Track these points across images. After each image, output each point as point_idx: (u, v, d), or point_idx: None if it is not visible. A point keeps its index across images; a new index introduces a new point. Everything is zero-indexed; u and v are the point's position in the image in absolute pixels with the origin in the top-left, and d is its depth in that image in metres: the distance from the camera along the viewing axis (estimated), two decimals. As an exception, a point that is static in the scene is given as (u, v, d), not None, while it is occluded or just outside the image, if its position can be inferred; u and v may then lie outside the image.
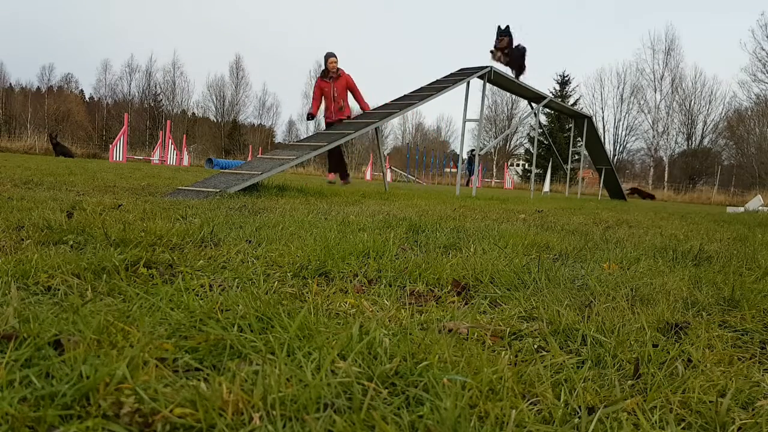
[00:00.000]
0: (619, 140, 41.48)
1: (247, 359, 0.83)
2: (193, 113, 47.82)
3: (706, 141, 39.42)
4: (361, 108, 8.26)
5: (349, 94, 8.30)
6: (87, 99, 49.43)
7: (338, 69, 8.21)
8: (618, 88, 41.12)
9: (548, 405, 0.77)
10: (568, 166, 12.90)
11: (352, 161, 39.31)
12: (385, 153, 35.33)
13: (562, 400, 0.78)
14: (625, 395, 0.82)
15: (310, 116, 8.56)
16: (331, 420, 0.67)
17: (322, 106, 8.43)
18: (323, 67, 8.36)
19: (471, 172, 21.31)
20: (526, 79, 9.03)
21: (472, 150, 20.76)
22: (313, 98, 8.43)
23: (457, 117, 59.22)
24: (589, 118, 12.11)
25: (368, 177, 23.50)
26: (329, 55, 8.26)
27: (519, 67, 8.98)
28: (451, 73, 7.92)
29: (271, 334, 0.91)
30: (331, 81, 8.18)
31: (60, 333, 0.84)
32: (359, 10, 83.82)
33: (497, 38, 8.53)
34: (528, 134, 41.08)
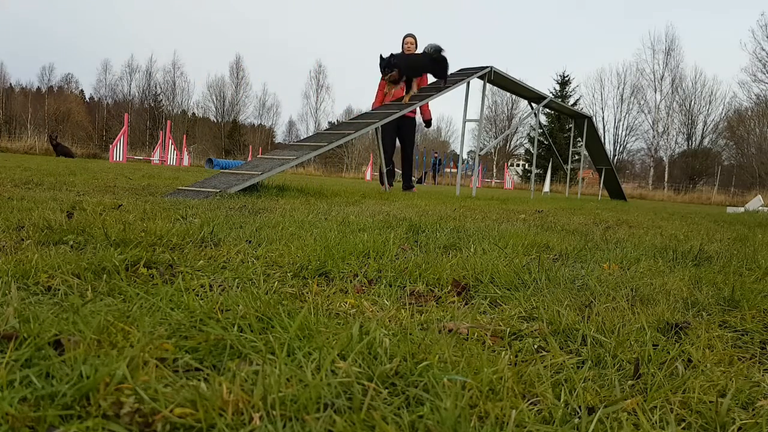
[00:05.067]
0: (619, 140, 41.56)
1: (247, 359, 0.83)
2: (193, 113, 47.91)
3: (706, 141, 39.49)
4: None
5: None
6: (87, 99, 49.50)
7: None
8: (618, 88, 41.26)
9: (548, 405, 0.77)
10: (568, 167, 12.89)
11: (352, 161, 39.29)
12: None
13: (562, 400, 0.78)
14: (625, 395, 0.82)
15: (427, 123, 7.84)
16: (331, 420, 0.67)
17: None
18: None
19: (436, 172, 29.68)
20: (526, 79, 9.04)
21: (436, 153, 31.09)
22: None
23: (457, 117, 59.26)
24: (589, 118, 12.11)
25: (368, 177, 23.50)
26: (406, 36, 6.95)
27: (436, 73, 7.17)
28: (451, 73, 7.91)
29: (271, 334, 0.91)
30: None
31: (60, 333, 0.84)
32: (360, 10, 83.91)
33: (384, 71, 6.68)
34: (528, 134, 41.13)
